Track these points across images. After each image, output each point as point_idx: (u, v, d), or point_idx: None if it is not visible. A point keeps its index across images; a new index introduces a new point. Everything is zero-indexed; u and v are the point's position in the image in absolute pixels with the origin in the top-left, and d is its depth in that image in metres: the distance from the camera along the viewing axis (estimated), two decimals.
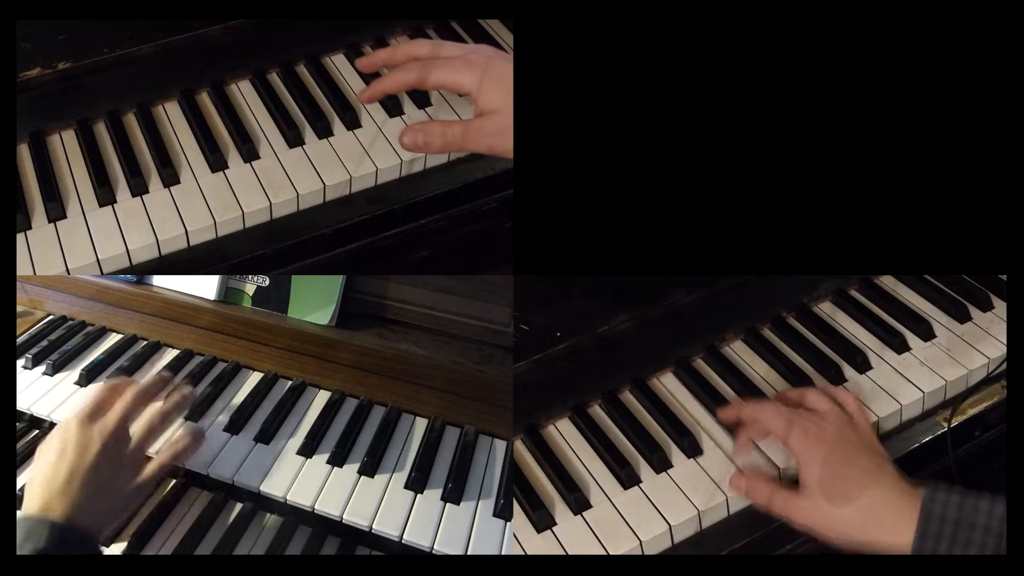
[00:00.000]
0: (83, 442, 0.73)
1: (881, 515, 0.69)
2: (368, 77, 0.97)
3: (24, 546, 0.65)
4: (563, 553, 0.74)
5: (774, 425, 0.75)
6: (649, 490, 0.78)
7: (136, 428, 0.79)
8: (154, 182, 0.87)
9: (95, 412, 0.77)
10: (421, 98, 0.97)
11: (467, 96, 0.80)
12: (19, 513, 0.69)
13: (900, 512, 0.68)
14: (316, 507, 0.81)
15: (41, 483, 0.71)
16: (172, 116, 0.95)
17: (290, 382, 0.99)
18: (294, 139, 0.92)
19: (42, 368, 0.98)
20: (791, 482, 0.76)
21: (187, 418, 0.91)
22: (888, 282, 0.99)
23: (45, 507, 0.69)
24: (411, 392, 0.96)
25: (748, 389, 0.86)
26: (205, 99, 0.97)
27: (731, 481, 0.77)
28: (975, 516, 0.65)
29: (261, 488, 0.83)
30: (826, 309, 0.97)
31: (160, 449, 0.82)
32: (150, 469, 0.78)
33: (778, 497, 0.73)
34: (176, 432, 0.86)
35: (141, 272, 0.84)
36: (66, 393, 0.95)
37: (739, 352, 0.92)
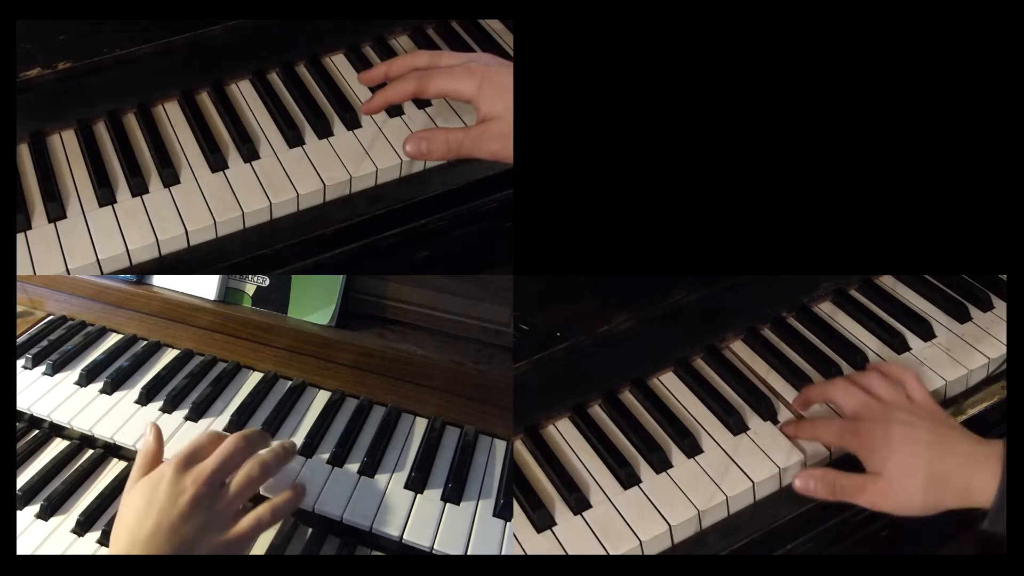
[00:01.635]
0: (176, 490, 0.69)
1: (957, 480, 0.69)
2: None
3: None
4: (563, 553, 0.74)
5: (844, 405, 0.78)
6: (649, 490, 0.78)
7: (235, 479, 0.73)
8: (154, 182, 0.87)
9: (192, 458, 0.72)
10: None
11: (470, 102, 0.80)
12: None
13: (977, 471, 0.68)
14: (316, 507, 0.81)
15: (125, 530, 0.68)
16: (172, 116, 0.95)
17: (290, 382, 0.99)
18: (294, 139, 0.92)
19: (42, 368, 0.98)
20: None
21: (187, 418, 0.91)
22: (888, 282, 0.99)
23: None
24: (411, 392, 0.96)
25: (748, 389, 0.86)
26: (205, 99, 0.97)
27: (796, 482, 0.75)
28: None
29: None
30: (826, 309, 0.97)
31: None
32: (245, 523, 0.71)
33: (845, 487, 0.73)
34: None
35: (141, 272, 0.84)
36: (66, 393, 0.95)
37: (739, 352, 0.92)
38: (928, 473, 0.69)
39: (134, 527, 0.67)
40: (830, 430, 0.78)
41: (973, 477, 0.68)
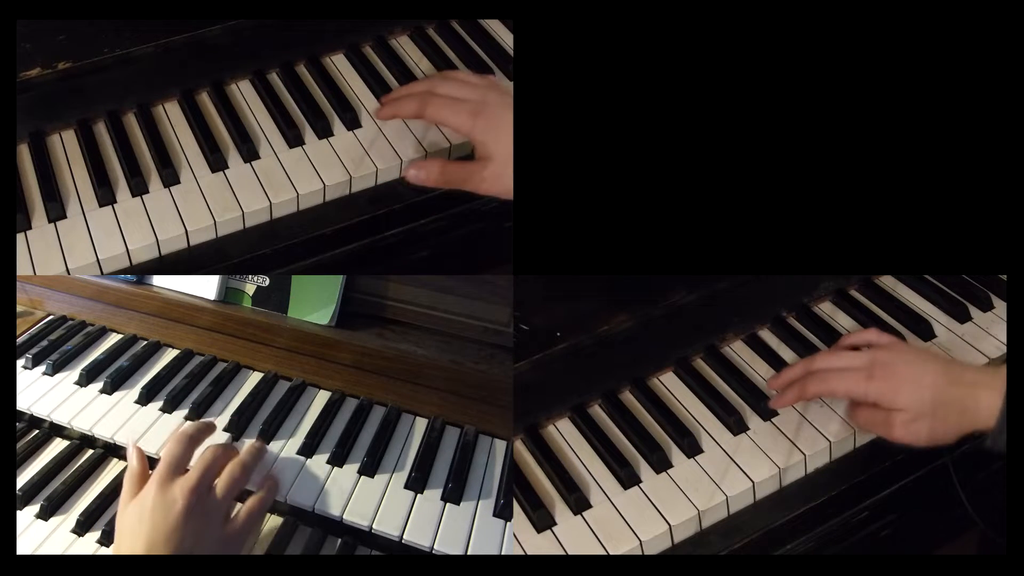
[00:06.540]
0: (166, 503, 0.70)
1: (976, 404, 0.72)
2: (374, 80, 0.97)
3: None
4: (563, 553, 0.74)
5: (848, 380, 0.78)
6: (649, 490, 0.78)
7: (220, 482, 0.75)
8: (154, 182, 0.87)
9: (174, 468, 0.74)
10: None
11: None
12: None
13: (984, 394, 0.72)
14: (316, 507, 0.81)
15: (126, 550, 0.69)
16: (172, 116, 0.95)
17: (290, 382, 0.99)
18: (294, 139, 0.92)
19: (42, 368, 0.98)
20: None
21: (187, 418, 0.91)
22: (888, 282, 0.99)
23: None
24: (411, 392, 0.96)
25: (748, 389, 0.86)
26: (205, 99, 0.97)
27: (853, 415, 0.80)
28: None
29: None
30: (826, 309, 0.97)
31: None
32: (240, 520, 0.75)
33: (890, 423, 0.76)
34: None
35: (141, 272, 0.84)
36: (66, 393, 0.95)
37: (739, 352, 0.92)
38: (941, 401, 0.73)
39: (132, 546, 0.69)
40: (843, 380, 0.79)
41: (980, 401, 0.72)
